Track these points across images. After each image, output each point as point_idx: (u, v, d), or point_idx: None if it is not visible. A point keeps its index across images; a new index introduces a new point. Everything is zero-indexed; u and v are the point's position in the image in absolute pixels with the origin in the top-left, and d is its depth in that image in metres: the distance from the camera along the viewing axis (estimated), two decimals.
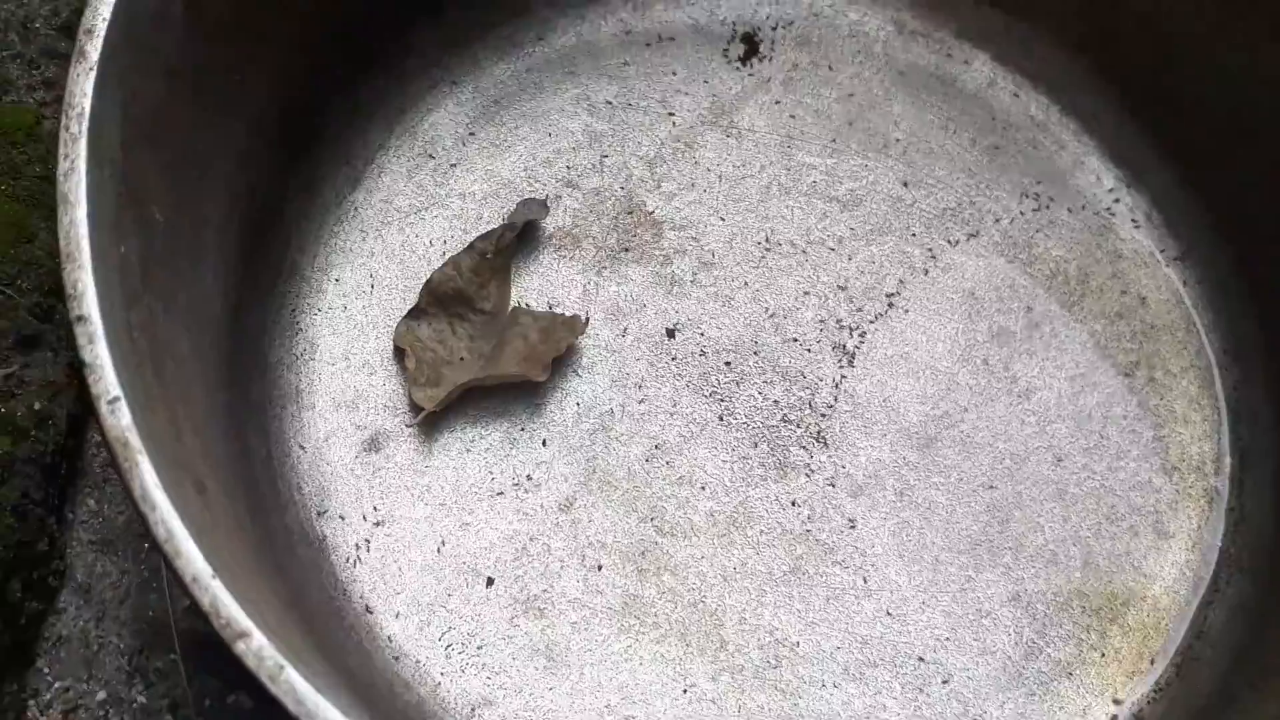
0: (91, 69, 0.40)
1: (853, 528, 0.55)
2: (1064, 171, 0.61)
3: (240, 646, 0.33)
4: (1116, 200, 0.61)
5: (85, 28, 0.40)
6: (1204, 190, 0.59)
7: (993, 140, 0.62)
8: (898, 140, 0.62)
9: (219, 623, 0.34)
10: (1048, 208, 0.61)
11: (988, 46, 0.63)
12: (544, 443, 0.56)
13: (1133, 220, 0.60)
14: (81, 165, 0.39)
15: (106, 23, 0.41)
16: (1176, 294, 0.59)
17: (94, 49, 0.40)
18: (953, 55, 0.63)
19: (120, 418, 0.36)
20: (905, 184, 0.61)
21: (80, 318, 0.36)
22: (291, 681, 0.33)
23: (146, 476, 0.35)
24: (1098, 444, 0.56)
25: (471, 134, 0.61)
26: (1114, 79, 0.61)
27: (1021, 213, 0.60)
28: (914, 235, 0.60)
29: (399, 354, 0.56)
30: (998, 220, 0.60)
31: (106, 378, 0.36)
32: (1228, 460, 0.56)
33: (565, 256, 0.59)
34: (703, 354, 0.58)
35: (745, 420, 0.57)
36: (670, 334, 0.58)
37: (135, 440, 0.35)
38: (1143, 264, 0.60)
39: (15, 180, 0.54)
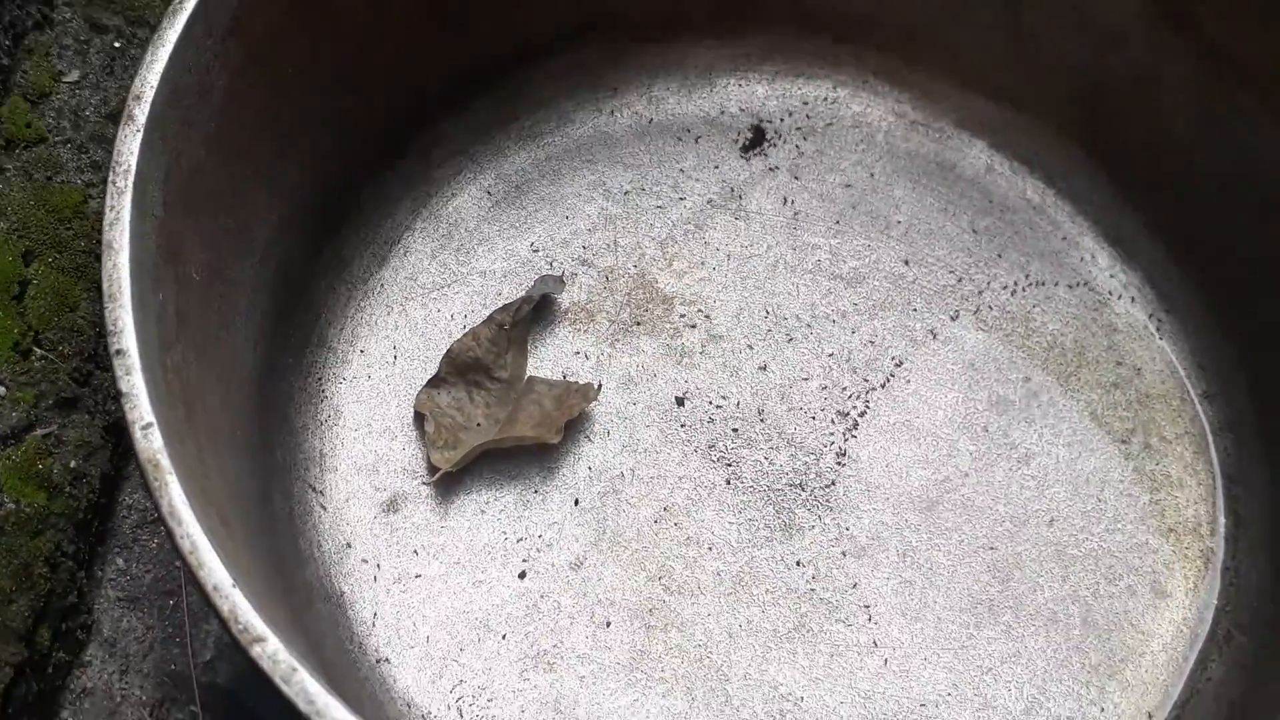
0: (138, 130, 0.44)
1: (855, 587, 0.56)
2: (1059, 251, 0.64)
3: (256, 650, 0.35)
4: (1110, 277, 0.63)
5: (134, 94, 0.44)
6: (1194, 265, 0.62)
7: (990, 222, 0.65)
8: (899, 222, 0.65)
9: (236, 628, 0.36)
10: (1043, 284, 0.63)
11: (985, 135, 0.66)
12: (556, 504, 0.58)
13: (1126, 295, 0.63)
14: (125, 216, 0.42)
15: (153, 90, 0.45)
16: (1170, 365, 0.61)
17: (141, 113, 0.44)
18: (951, 143, 0.66)
19: (152, 441, 0.38)
20: (906, 262, 0.64)
21: (119, 351, 0.39)
22: (303, 683, 0.35)
23: (174, 494, 0.37)
24: (1095, 507, 0.58)
25: (493, 216, 0.65)
26: (1105, 163, 0.64)
27: (1018, 289, 0.63)
28: (915, 310, 0.62)
29: (419, 419, 0.59)
30: (996, 296, 0.63)
31: (140, 405, 0.39)
32: (1222, 522, 0.58)
33: (580, 330, 0.62)
34: (711, 421, 0.60)
35: (752, 484, 0.58)
36: (680, 402, 0.60)
37: (165, 462, 0.38)
38: (1137, 337, 0.62)
39: (61, 253, 0.57)
